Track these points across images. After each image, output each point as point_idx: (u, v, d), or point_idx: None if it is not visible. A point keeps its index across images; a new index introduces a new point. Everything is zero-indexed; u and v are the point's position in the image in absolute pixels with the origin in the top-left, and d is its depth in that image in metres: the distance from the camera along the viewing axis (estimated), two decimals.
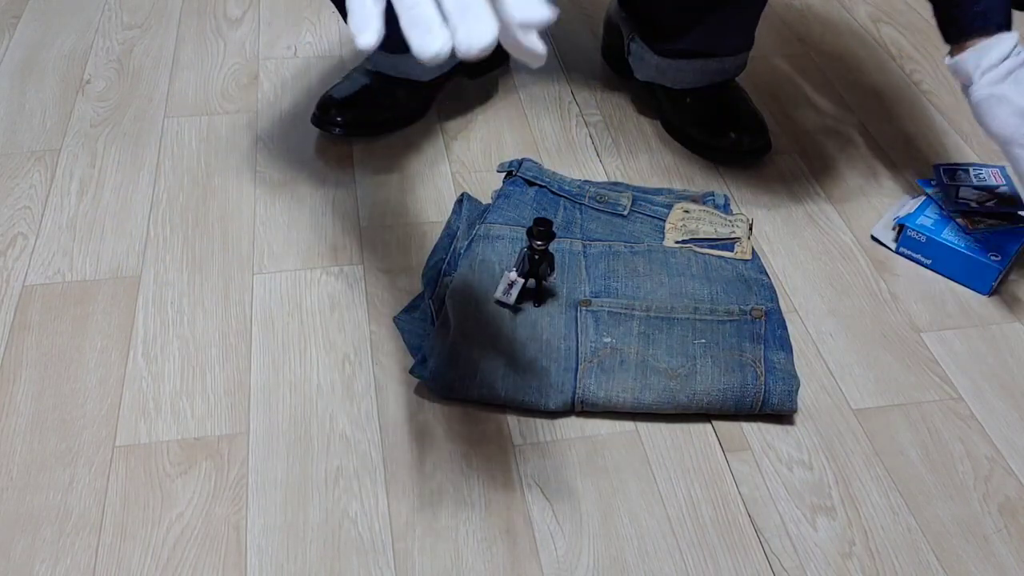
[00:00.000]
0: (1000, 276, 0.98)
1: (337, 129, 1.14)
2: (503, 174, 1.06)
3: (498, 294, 0.90)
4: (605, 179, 1.12)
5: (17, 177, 1.12)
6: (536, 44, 0.52)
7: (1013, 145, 0.89)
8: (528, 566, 0.75)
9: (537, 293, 0.91)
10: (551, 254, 0.89)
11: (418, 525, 0.78)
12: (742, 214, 1.02)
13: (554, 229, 0.99)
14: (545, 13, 0.51)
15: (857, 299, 0.98)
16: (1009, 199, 1.03)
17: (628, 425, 0.86)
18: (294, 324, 0.94)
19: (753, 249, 0.98)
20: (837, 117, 1.24)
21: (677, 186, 1.12)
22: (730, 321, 0.90)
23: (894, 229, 1.04)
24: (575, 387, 0.85)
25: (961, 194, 1.03)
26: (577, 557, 0.76)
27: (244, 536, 0.77)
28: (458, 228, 1.01)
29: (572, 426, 0.85)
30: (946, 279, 1.00)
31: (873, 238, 1.05)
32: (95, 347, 0.91)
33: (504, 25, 0.52)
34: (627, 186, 1.07)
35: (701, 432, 0.85)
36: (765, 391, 0.85)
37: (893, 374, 0.91)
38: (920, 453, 0.84)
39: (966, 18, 0.90)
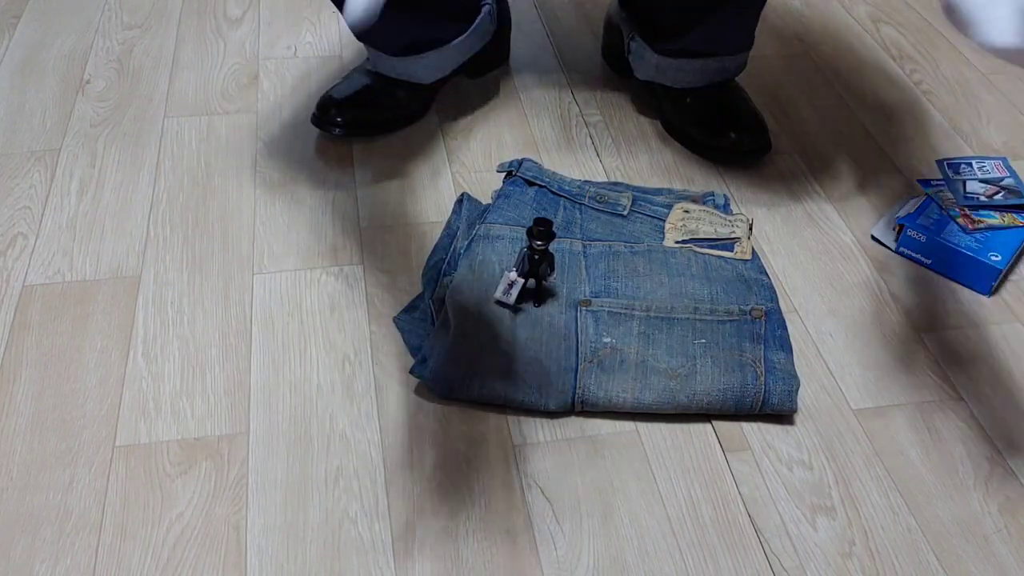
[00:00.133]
0: (1000, 276, 0.98)
1: (337, 129, 1.14)
2: (503, 174, 1.06)
3: (498, 294, 0.90)
4: (605, 179, 1.12)
5: (17, 177, 1.12)
6: None
7: None
8: (528, 566, 0.75)
9: (537, 293, 0.91)
10: (551, 254, 0.89)
11: (418, 525, 0.78)
12: (742, 214, 1.02)
13: (554, 229, 0.99)
14: None
15: (857, 299, 0.98)
16: (1015, 191, 1.03)
17: (628, 425, 0.86)
18: (294, 324, 0.94)
19: (753, 249, 0.98)
20: (837, 117, 1.24)
21: (677, 186, 1.12)
22: (730, 321, 0.90)
23: (894, 229, 1.04)
24: (575, 387, 0.85)
25: (969, 188, 1.03)
26: (577, 557, 0.76)
27: (244, 536, 0.77)
28: (458, 228, 1.01)
29: (572, 426, 0.85)
30: (946, 279, 1.00)
31: (873, 238, 1.05)
32: (95, 347, 0.91)
33: None
34: (627, 186, 1.07)
35: (701, 432, 0.85)
36: (765, 391, 0.85)
37: (893, 374, 0.91)
38: (920, 453, 0.84)
39: None
